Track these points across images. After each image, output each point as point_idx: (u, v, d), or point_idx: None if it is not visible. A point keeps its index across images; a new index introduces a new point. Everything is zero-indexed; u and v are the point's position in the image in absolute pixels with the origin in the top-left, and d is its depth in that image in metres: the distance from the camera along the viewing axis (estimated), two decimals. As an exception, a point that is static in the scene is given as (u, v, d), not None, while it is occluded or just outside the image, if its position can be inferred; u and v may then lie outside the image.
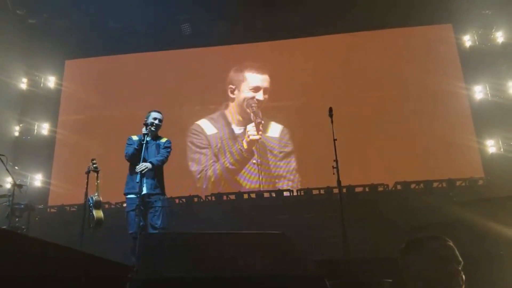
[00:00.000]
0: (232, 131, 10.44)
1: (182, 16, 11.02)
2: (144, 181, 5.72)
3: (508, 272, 4.18)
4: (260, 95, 10.50)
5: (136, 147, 5.81)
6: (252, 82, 10.68)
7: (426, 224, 6.50)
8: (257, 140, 10.17)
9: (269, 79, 10.71)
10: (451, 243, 2.45)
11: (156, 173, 5.89)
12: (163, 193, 5.93)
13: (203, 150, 10.39)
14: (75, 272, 2.39)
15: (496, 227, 4.94)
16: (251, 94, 10.53)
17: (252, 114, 10.33)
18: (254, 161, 10.19)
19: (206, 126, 10.57)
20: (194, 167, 10.29)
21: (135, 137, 6.05)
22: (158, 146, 6.05)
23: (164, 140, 6.16)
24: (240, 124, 10.46)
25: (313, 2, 10.56)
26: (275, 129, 10.43)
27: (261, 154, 10.18)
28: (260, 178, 10.07)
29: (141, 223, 5.53)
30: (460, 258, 2.38)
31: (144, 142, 5.76)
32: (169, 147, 6.11)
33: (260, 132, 10.18)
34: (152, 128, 5.96)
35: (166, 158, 5.99)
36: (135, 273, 2.24)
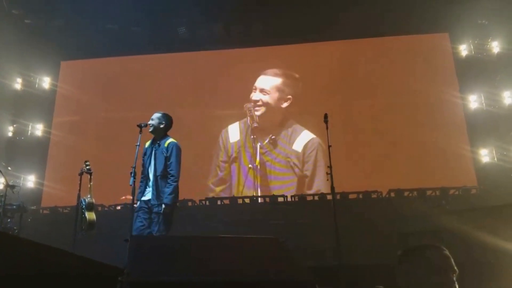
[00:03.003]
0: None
1: (179, 19, 11.02)
2: (151, 188, 5.69)
3: (498, 280, 4.19)
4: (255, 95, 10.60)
5: (143, 156, 5.81)
6: (278, 89, 10.75)
7: (415, 231, 6.51)
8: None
9: (262, 79, 10.78)
10: (447, 252, 2.45)
11: (162, 183, 5.68)
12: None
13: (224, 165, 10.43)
14: (66, 273, 2.38)
15: (487, 236, 4.96)
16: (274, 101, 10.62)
17: (249, 118, 10.36)
18: (250, 166, 10.18)
19: (233, 131, 10.61)
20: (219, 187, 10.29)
21: (147, 144, 5.98)
22: (161, 152, 5.76)
23: (167, 143, 5.79)
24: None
25: (309, 9, 10.57)
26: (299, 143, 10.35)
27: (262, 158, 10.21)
28: (256, 182, 10.08)
29: (142, 225, 5.54)
30: (456, 268, 2.39)
31: (150, 147, 5.81)
32: (173, 157, 5.71)
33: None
34: (150, 129, 5.89)
35: (176, 186, 5.64)
36: (126, 275, 2.23)
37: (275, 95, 10.61)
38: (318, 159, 9.99)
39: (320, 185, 9.78)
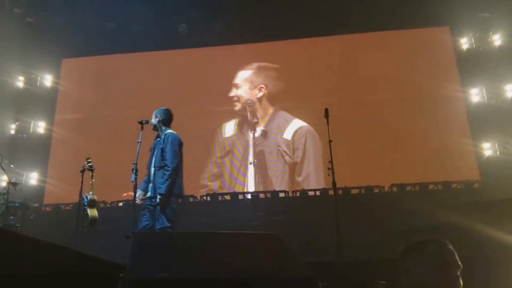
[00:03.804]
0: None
1: (179, 16, 11.01)
2: (151, 183, 5.73)
3: (502, 275, 4.18)
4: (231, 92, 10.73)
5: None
6: (247, 81, 10.79)
7: (417, 226, 6.50)
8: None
9: (262, 75, 10.80)
10: (451, 247, 2.43)
11: (159, 174, 5.69)
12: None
13: (220, 161, 10.49)
14: (68, 270, 2.38)
15: (490, 230, 4.94)
16: (247, 93, 10.65)
17: (249, 113, 10.37)
18: (250, 162, 10.19)
19: (228, 127, 10.70)
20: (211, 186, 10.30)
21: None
22: (159, 145, 5.81)
23: (164, 135, 5.85)
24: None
25: (309, 4, 10.55)
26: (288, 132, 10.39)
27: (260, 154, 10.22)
28: (257, 179, 10.08)
29: (147, 224, 5.57)
30: (460, 263, 2.37)
31: (153, 143, 5.91)
32: (168, 147, 5.70)
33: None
34: (152, 128, 5.97)
35: (170, 176, 5.56)
36: (127, 272, 2.23)
37: (246, 86, 10.74)
38: (308, 145, 10.07)
39: (309, 170, 9.87)
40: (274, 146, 10.26)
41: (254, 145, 10.27)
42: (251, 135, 10.31)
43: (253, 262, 2.45)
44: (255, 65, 10.93)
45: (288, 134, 10.27)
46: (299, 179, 9.90)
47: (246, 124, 10.51)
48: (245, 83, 10.76)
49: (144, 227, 5.54)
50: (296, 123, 10.30)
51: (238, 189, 10.06)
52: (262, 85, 10.68)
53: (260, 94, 10.63)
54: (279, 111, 10.52)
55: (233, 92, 10.72)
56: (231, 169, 10.28)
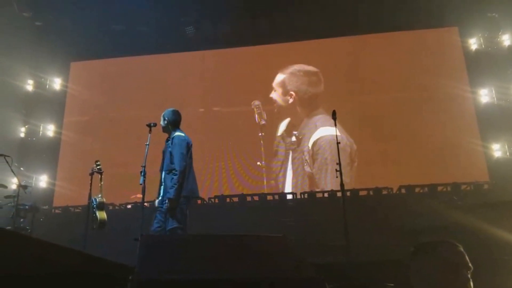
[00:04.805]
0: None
1: (186, 18, 11.05)
2: (162, 186, 5.73)
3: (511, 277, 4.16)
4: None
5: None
6: (279, 85, 10.80)
7: (426, 227, 6.46)
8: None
9: (292, 82, 10.76)
10: (461, 249, 2.41)
11: (168, 178, 5.66)
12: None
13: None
14: (78, 273, 2.39)
15: (500, 232, 4.91)
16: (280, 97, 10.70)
17: (256, 115, 10.37)
18: (258, 163, 10.18)
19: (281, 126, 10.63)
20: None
21: None
22: (168, 148, 5.79)
23: (171, 139, 5.80)
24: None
25: (318, 5, 10.54)
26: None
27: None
28: (265, 181, 10.08)
29: (158, 226, 5.57)
30: (470, 264, 2.35)
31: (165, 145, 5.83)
32: (174, 150, 5.65)
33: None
34: (162, 131, 5.97)
35: (178, 179, 5.51)
36: (136, 274, 2.24)
37: (279, 90, 10.65)
38: (325, 156, 9.94)
39: (324, 183, 9.77)
40: (299, 154, 10.23)
41: (287, 147, 10.27)
42: (263, 137, 10.32)
43: (262, 264, 2.46)
44: (290, 69, 10.82)
45: (310, 143, 10.20)
46: (317, 190, 9.84)
47: (292, 125, 10.46)
48: (278, 87, 10.68)
49: (155, 230, 5.54)
50: (321, 132, 10.14)
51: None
52: (292, 92, 10.60)
53: (291, 100, 10.55)
54: (313, 117, 10.38)
55: (272, 94, 10.68)
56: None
